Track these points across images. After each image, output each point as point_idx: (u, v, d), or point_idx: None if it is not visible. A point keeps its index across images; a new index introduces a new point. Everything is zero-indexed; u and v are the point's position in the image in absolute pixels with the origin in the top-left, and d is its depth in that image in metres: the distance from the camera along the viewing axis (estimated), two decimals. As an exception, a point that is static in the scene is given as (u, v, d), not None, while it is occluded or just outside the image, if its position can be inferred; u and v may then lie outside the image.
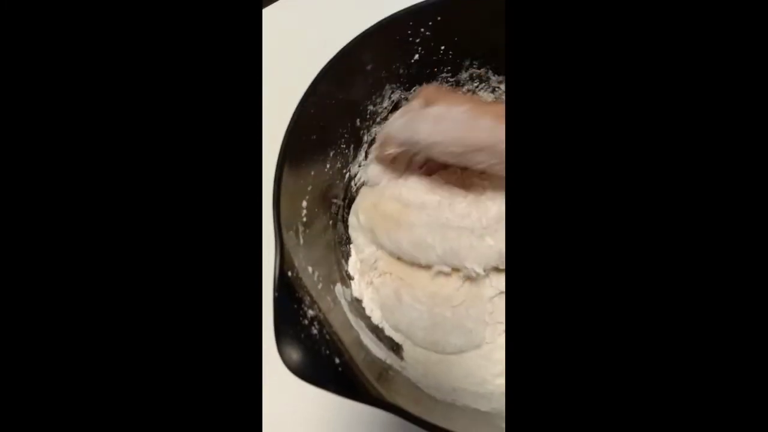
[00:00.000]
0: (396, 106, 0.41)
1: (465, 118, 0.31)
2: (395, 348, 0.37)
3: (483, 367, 0.35)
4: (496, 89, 0.42)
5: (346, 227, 0.42)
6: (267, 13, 0.56)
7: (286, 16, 0.56)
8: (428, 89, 0.36)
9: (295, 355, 0.25)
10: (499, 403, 0.32)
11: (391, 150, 0.36)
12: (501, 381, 0.34)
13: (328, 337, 0.28)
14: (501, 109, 0.32)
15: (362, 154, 0.42)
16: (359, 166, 0.42)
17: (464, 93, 0.41)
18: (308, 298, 0.28)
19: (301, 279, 0.28)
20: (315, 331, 0.27)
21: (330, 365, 0.26)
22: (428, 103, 0.34)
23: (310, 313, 0.28)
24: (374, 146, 0.40)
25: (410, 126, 0.33)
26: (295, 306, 0.27)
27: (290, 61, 0.46)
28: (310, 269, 0.32)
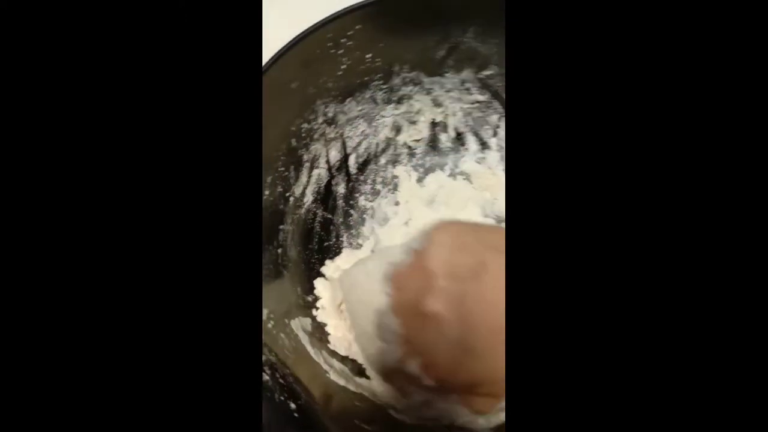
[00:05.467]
0: (333, 120, 0.40)
1: None
2: (364, 373, 0.35)
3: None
4: (431, 91, 0.41)
5: (308, 253, 0.40)
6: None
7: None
8: None
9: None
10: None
11: None
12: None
13: (281, 380, 0.26)
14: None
15: (304, 174, 0.40)
16: (303, 186, 0.40)
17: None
18: (255, 341, 0.26)
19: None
20: (266, 377, 0.25)
21: (285, 411, 0.24)
22: None
23: (259, 357, 0.26)
24: None
25: None
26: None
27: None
28: (256, 308, 0.30)
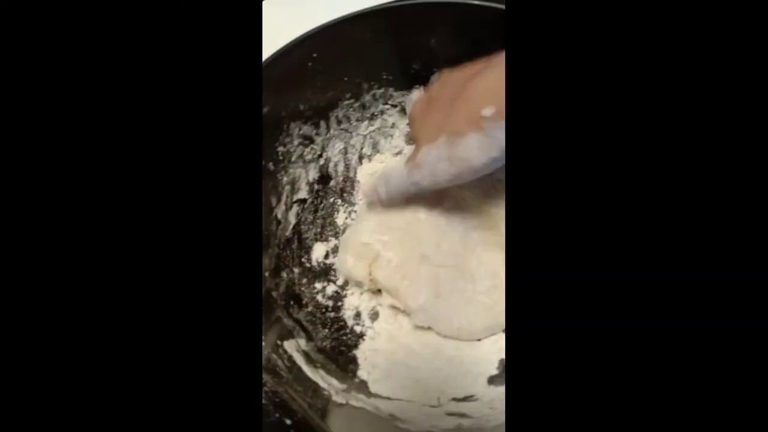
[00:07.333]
0: (309, 139, 0.40)
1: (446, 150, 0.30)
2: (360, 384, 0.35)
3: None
4: (401, 104, 0.42)
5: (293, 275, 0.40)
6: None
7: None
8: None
9: None
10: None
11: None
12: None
13: (276, 399, 0.25)
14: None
15: (284, 195, 0.40)
16: (285, 208, 0.40)
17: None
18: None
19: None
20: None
21: (281, 427, 0.24)
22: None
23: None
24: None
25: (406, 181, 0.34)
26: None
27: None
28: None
